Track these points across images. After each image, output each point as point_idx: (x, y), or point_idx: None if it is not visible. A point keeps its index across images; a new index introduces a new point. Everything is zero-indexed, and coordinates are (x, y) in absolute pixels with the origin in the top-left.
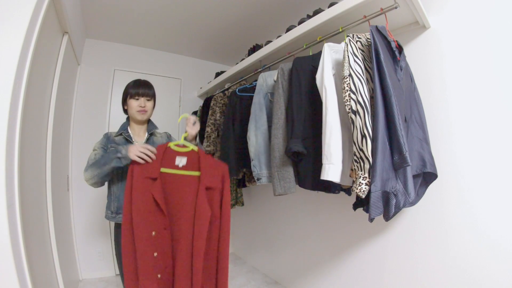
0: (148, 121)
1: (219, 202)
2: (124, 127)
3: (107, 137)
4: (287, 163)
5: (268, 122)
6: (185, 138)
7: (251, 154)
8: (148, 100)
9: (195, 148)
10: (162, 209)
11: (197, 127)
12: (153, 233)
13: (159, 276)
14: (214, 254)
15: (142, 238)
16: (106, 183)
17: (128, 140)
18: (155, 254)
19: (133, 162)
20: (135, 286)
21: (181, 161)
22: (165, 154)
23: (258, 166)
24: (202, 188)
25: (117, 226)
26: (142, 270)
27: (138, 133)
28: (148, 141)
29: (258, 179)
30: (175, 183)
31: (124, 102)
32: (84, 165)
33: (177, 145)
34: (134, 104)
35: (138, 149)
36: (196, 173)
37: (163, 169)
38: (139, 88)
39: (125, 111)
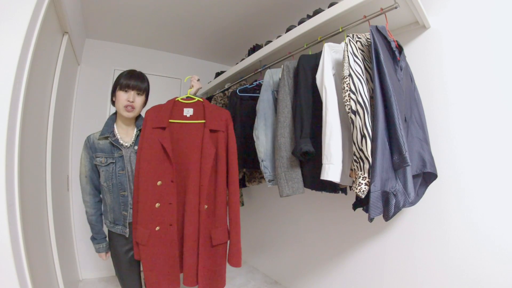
0: (138, 116)
1: (225, 143)
2: (109, 126)
3: (90, 145)
4: (295, 163)
5: None
6: (190, 93)
7: (260, 155)
8: (138, 94)
9: (200, 99)
10: (169, 157)
11: (200, 83)
12: (159, 183)
13: (157, 228)
14: (224, 194)
15: (146, 187)
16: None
17: (115, 145)
18: (157, 204)
19: (147, 114)
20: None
21: (188, 111)
22: (174, 107)
23: (270, 167)
24: (206, 131)
25: (111, 233)
26: (140, 218)
27: (126, 131)
28: (137, 139)
29: (269, 181)
30: (183, 131)
31: (113, 93)
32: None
33: (184, 98)
34: (122, 97)
35: (103, 258)
36: (202, 121)
37: (172, 120)
38: (131, 79)
39: (113, 103)
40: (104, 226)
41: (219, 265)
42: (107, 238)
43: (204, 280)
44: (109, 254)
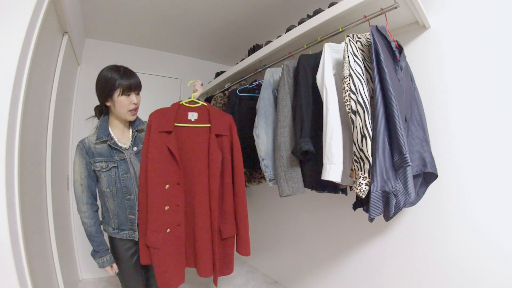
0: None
1: (229, 147)
2: (104, 130)
3: (86, 150)
4: (295, 163)
5: None
6: (194, 97)
7: (260, 153)
8: (138, 93)
9: (204, 103)
10: (176, 160)
11: (203, 88)
12: (167, 186)
13: (168, 230)
14: (230, 193)
15: (154, 190)
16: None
17: (113, 148)
18: (167, 207)
19: (151, 118)
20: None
21: (193, 115)
22: (179, 111)
23: (271, 166)
24: (212, 136)
25: (113, 239)
26: (151, 222)
27: (123, 133)
28: (134, 140)
29: (270, 180)
30: (188, 135)
31: (108, 97)
32: None
33: (188, 102)
34: (126, 101)
35: (109, 272)
36: (207, 125)
37: (177, 124)
38: (130, 80)
39: (106, 107)
40: (105, 234)
41: (228, 255)
42: (109, 250)
43: (217, 269)
44: (115, 266)
